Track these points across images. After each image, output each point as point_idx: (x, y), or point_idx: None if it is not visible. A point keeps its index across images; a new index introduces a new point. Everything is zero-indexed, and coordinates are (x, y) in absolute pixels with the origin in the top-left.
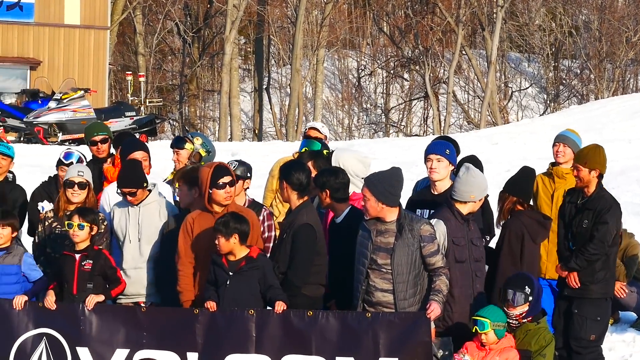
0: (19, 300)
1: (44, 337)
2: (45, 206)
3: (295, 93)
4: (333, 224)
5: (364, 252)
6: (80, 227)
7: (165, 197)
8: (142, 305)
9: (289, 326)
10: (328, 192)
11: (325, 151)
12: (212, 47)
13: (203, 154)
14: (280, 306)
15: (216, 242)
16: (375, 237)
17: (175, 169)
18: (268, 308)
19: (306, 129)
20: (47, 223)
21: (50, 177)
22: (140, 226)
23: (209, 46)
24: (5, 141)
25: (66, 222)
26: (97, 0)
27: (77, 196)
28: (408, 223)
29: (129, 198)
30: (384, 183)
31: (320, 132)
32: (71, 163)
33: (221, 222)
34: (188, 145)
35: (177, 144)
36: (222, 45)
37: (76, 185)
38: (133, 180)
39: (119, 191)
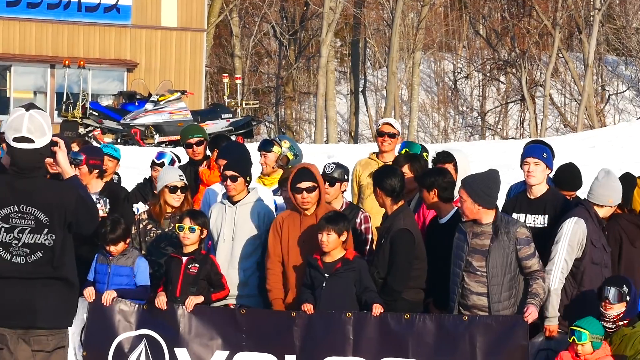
0: (108, 297)
1: (144, 338)
2: (140, 208)
3: (391, 96)
4: (435, 225)
5: (460, 254)
6: (192, 230)
7: (263, 200)
8: (232, 306)
9: (387, 329)
10: (436, 191)
11: (425, 154)
12: (309, 50)
13: (290, 157)
14: (377, 309)
15: (323, 238)
16: (471, 239)
17: (263, 172)
18: (365, 311)
19: (379, 125)
20: (141, 225)
21: (145, 179)
22: (235, 226)
23: (305, 49)
24: (102, 142)
25: (177, 225)
26: (194, 3)
27: (178, 200)
28: (504, 225)
29: (228, 185)
30: (481, 184)
31: (394, 128)
32: (163, 163)
33: (332, 218)
34: (276, 149)
35: (265, 147)
36: (318, 48)
37: (179, 190)
38: (240, 166)
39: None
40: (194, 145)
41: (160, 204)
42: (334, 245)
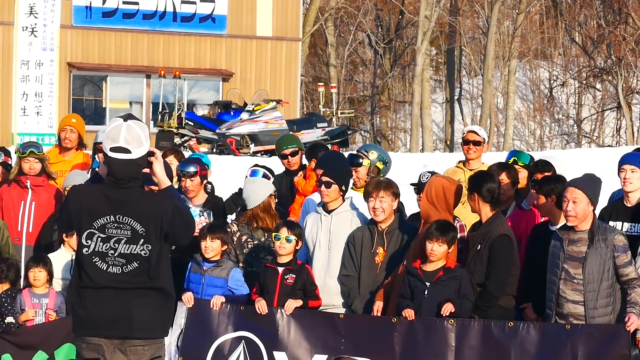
0: (217, 301)
1: (243, 340)
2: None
3: (487, 104)
4: (545, 230)
5: (556, 262)
6: (288, 240)
7: (358, 209)
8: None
9: (489, 337)
10: (554, 198)
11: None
12: (404, 58)
13: (380, 166)
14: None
15: (433, 248)
16: (567, 246)
17: (356, 185)
18: (468, 318)
19: (464, 133)
20: (235, 238)
21: (240, 189)
22: (330, 234)
23: (400, 57)
24: (198, 152)
25: (273, 235)
26: (289, 12)
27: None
28: (601, 232)
29: (322, 191)
30: (595, 186)
31: (479, 135)
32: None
33: (443, 228)
34: (365, 162)
35: (354, 162)
36: (413, 56)
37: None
38: (336, 173)
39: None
40: (289, 156)
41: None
42: (441, 256)
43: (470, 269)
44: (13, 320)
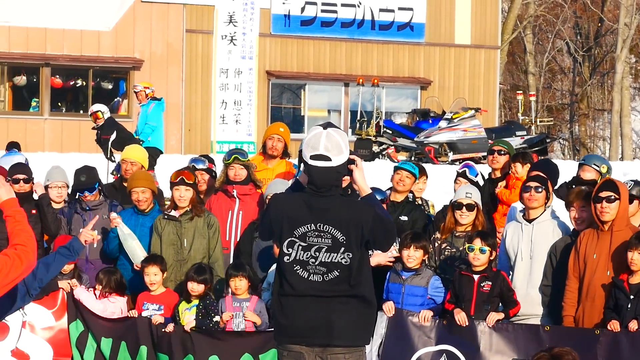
0: (425, 315)
1: (444, 354)
2: None
3: None
4: None
5: None
6: (482, 251)
7: (559, 217)
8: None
9: None
10: None
11: None
12: (603, 66)
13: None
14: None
15: (634, 257)
16: None
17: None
18: None
19: None
20: (436, 244)
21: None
22: (532, 244)
23: (599, 65)
24: (396, 160)
25: (467, 245)
26: (487, 20)
27: (466, 218)
28: None
29: (532, 195)
30: None
31: None
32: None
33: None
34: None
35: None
36: (612, 64)
37: (464, 207)
38: (544, 179)
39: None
40: (496, 153)
41: (447, 221)
42: None
43: None
44: (219, 319)
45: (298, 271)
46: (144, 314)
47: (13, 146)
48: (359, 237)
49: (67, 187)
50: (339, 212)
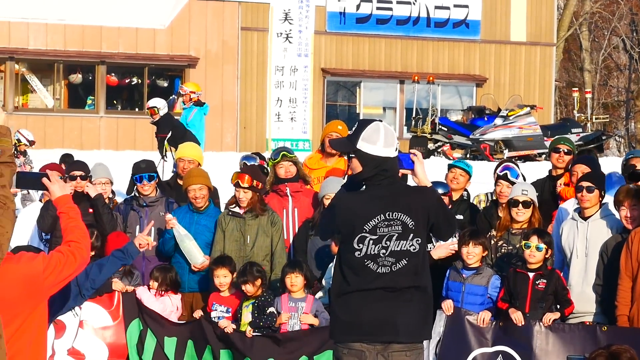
0: (484, 317)
1: (500, 355)
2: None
3: None
4: None
5: None
6: (538, 248)
7: (614, 214)
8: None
9: None
10: None
11: None
12: None
13: None
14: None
15: None
16: None
17: None
18: None
19: None
20: (492, 242)
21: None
22: (587, 241)
23: None
24: (451, 158)
25: (523, 243)
26: (543, 17)
27: (522, 215)
28: None
29: (583, 196)
30: None
31: None
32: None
33: None
34: None
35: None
36: None
37: (520, 204)
38: (597, 178)
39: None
40: (562, 151)
41: (503, 219)
42: None
43: None
44: (273, 310)
45: (369, 265)
46: (213, 314)
47: (67, 157)
48: (425, 222)
49: (111, 183)
50: (407, 197)
